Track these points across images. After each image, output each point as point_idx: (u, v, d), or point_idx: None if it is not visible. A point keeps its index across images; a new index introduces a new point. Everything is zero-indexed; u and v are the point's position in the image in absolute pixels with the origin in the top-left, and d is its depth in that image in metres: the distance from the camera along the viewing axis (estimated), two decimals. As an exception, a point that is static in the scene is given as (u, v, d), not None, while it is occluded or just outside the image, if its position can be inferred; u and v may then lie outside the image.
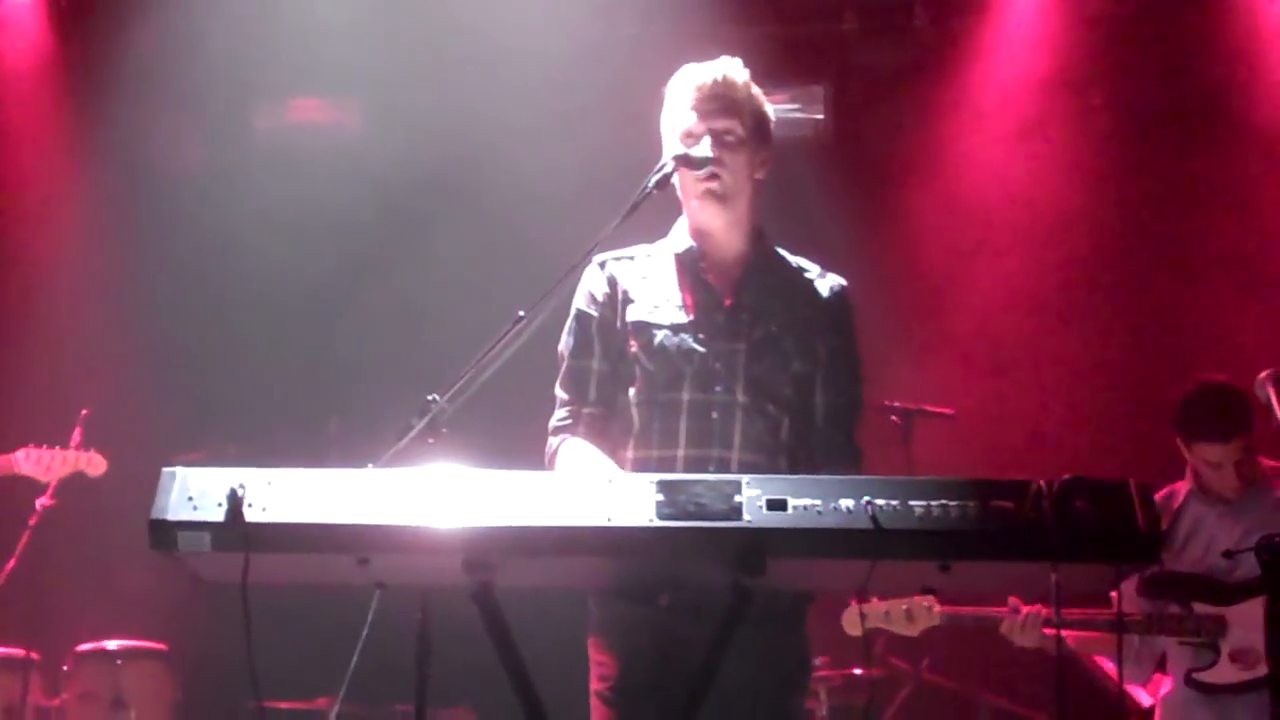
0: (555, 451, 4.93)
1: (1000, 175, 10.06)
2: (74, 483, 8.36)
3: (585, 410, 4.97)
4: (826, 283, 5.10)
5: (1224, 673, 6.83)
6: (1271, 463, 7.06)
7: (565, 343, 5.05)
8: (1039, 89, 10.09)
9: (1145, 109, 9.98)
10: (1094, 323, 9.77)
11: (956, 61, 10.19)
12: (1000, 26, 10.14)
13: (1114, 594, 6.32)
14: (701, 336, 4.90)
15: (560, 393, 5.04)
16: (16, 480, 8.30)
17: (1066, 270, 9.97)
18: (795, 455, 4.88)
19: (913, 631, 7.11)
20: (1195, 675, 6.89)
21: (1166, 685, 7.04)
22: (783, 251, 5.14)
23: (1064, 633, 6.96)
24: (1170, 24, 9.85)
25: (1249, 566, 6.81)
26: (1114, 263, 9.95)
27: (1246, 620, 6.74)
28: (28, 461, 8.26)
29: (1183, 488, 7.14)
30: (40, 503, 8.29)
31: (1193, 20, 9.81)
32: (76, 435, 8.43)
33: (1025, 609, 6.92)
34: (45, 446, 8.30)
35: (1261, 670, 6.69)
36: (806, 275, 5.11)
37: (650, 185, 4.77)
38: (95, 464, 8.37)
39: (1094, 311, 9.83)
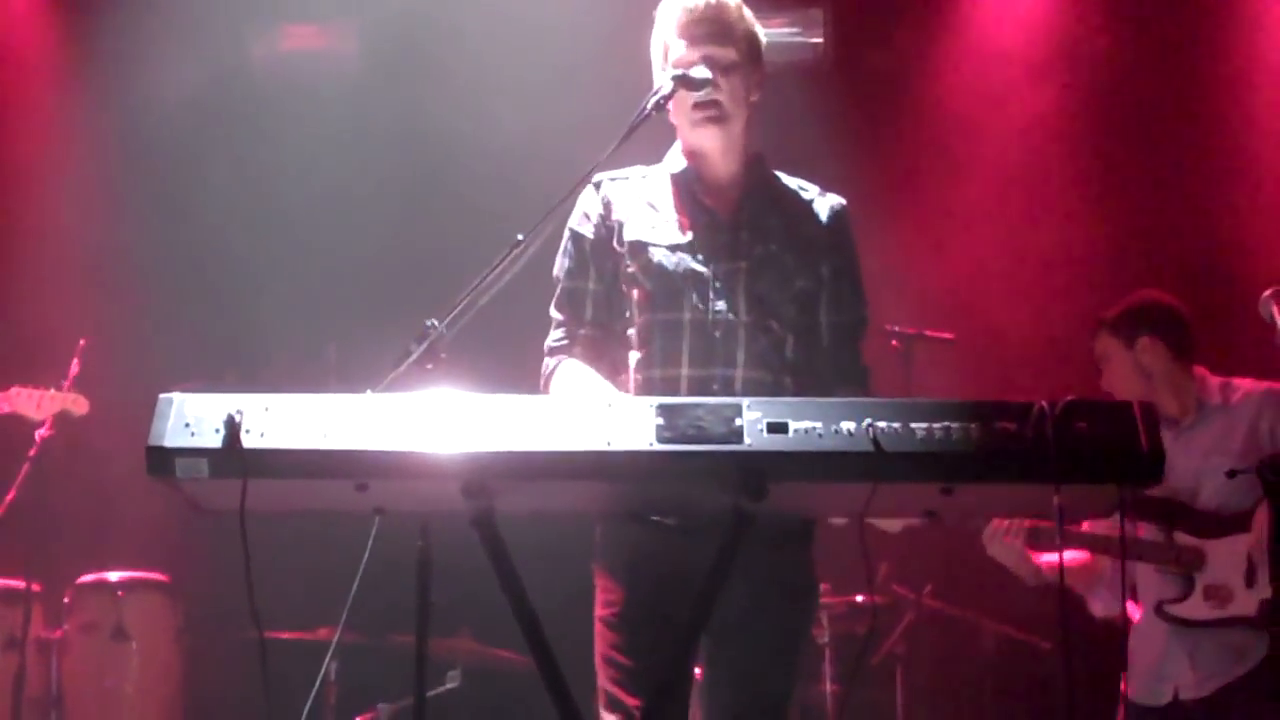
0: (551, 372, 4.93)
1: (1001, 97, 10.01)
2: (71, 416, 8.39)
3: (581, 331, 4.97)
4: (826, 202, 5.10)
5: (1196, 608, 6.81)
6: (1241, 381, 7.04)
7: (560, 264, 5.04)
8: (1041, 10, 10.04)
9: (1153, 33, 9.91)
10: (1096, 245, 9.74)
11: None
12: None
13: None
14: (701, 256, 4.89)
15: (555, 314, 5.04)
16: (10, 416, 8.33)
17: (1068, 194, 9.93)
18: (801, 374, 4.87)
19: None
20: (1166, 607, 6.87)
21: (1137, 613, 7.03)
22: (780, 174, 5.14)
23: (1044, 561, 6.97)
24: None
25: (1208, 494, 6.83)
26: (1118, 184, 9.90)
27: (1225, 556, 6.74)
28: (19, 399, 8.30)
29: None
30: (39, 434, 8.31)
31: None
32: (75, 365, 8.44)
33: (999, 521, 6.93)
34: (33, 386, 8.33)
35: (1232, 610, 6.72)
36: (805, 196, 5.10)
37: (649, 106, 4.76)
38: (79, 404, 8.41)
39: (1096, 235, 9.79)
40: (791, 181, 5.14)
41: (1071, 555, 7.03)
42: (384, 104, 9.92)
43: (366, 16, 10.22)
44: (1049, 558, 6.97)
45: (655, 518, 4.70)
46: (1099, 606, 7.11)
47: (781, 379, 4.82)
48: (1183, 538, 6.84)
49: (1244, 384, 7.00)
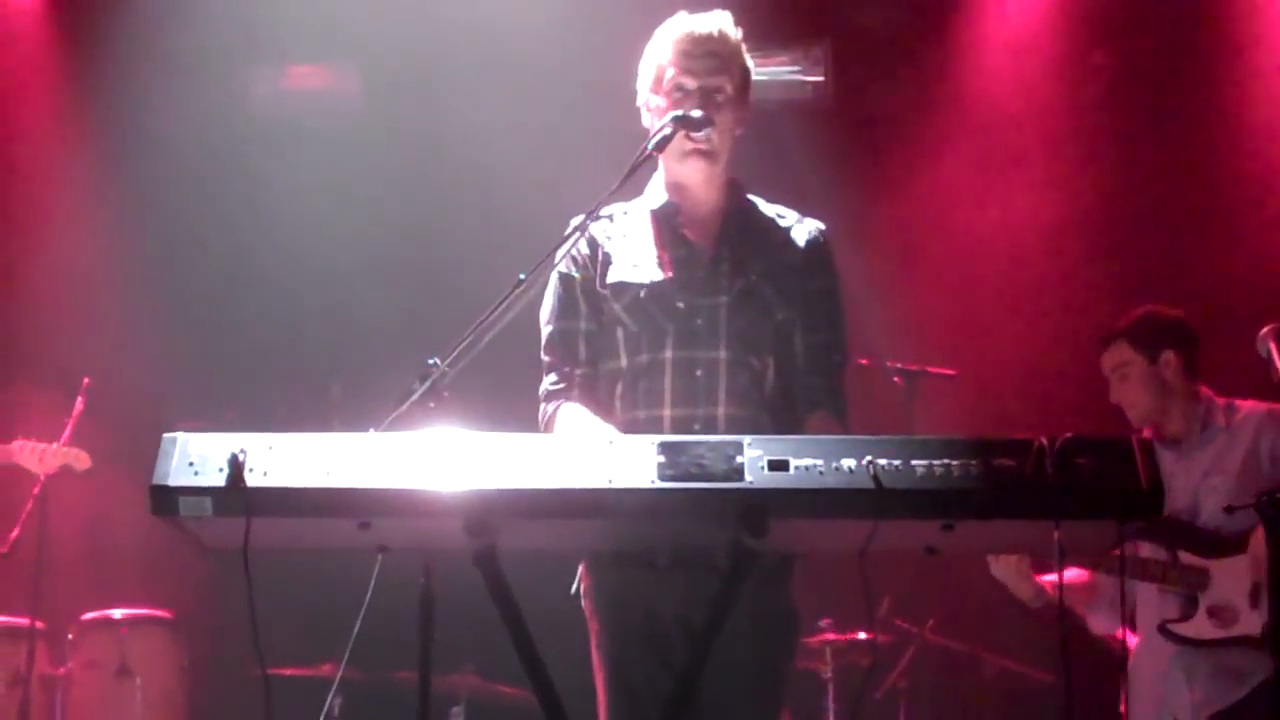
0: (551, 417, 4.91)
1: (1001, 136, 10.04)
2: (73, 471, 8.44)
3: (578, 372, 4.96)
4: (804, 228, 5.10)
5: (1200, 627, 6.80)
6: (1243, 401, 7.03)
7: (548, 307, 5.03)
8: (1040, 49, 10.06)
9: (1148, 68, 9.94)
10: (1097, 280, 9.75)
11: (957, 22, 10.16)
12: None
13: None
14: (682, 293, 4.90)
15: (548, 357, 5.02)
16: (12, 467, 8.38)
17: (1069, 230, 9.95)
18: (778, 409, 4.87)
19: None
20: (1170, 625, 6.86)
21: (1136, 635, 7.03)
22: (757, 200, 5.15)
23: (1046, 580, 6.96)
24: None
25: (1208, 514, 6.83)
26: (1117, 221, 9.92)
27: (1230, 577, 6.74)
28: (22, 453, 8.34)
29: (1146, 432, 7.15)
30: (35, 473, 8.36)
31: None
32: (79, 403, 8.47)
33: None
34: (36, 439, 8.37)
35: (1236, 630, 6.71)
36: (783, 222, 5.11)
37: (650, 147, 4.78)
38: (81, 459, 8.45)
39: (1097, 269, 9.81)
40: (770, 208, 5.14)
41: (1072, 573, 7.03)
42: (386, 143, 9.95)
43: (368, 57, 10.25)
44: (1050, 577, 6.96)
45: (639, 557, 4.70)
46: (1098, 624, 7.11)
47: (761, 415, 4.82)
48: (1187, 557, 6.84)
49: (1245, 405, 6.99)
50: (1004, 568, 6.95)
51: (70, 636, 8.67)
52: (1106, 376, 7.22)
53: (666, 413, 4.81)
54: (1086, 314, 9.48)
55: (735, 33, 5.03)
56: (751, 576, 4.34)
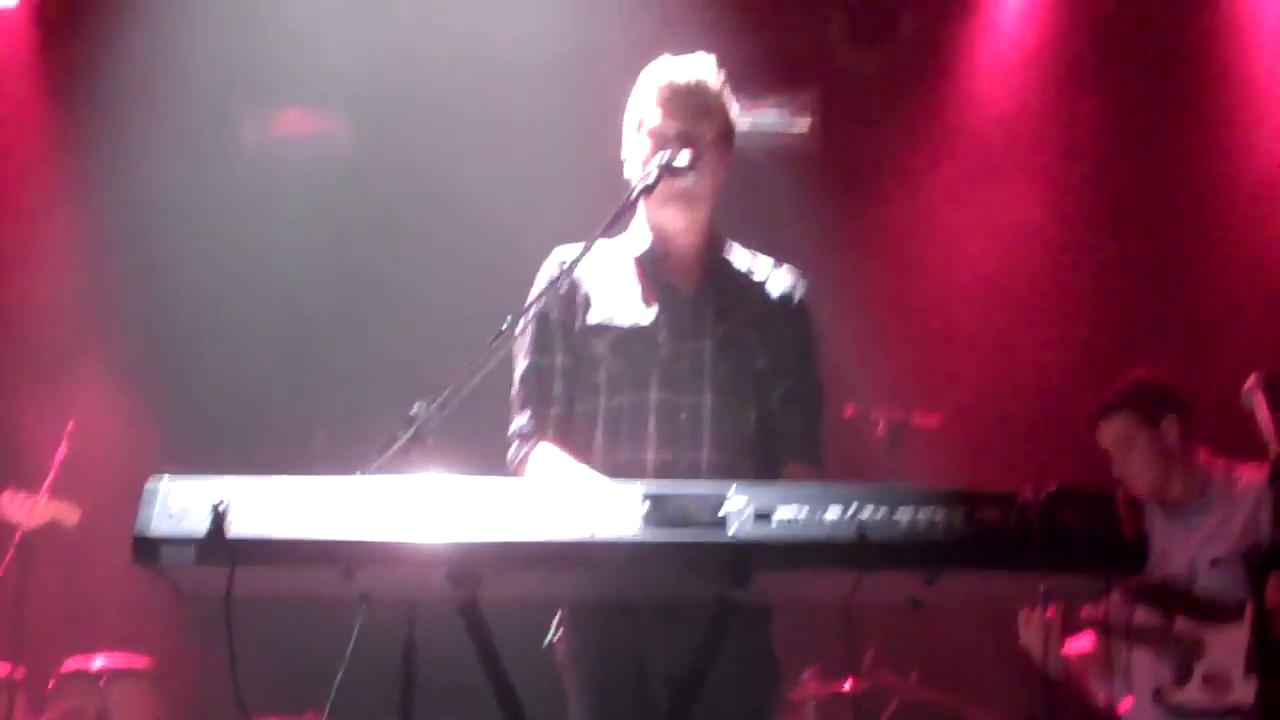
0: (524, 459, 4.88)
1: (989, 184, 10.05)
2: (61, 525, 8.44)
3: (552, 411, 4.93)
4: (783, 277, 5.11)
5: (1194, 694, 6.77)
6: (1242, 468, 7.00)
7: (523, 344, 4.99)
8: (1028, 95, 10.09)
9: (1132, 116, 9.97)
10: (1082, 330, 9.76)
11: (943, 70, 10.19)
12: (987, 32, 10.14)
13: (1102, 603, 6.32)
14: (665, 335, 4.89)
15: (519, 394, 4.99)
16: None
17: (1054, 278, 9.97)
18: (759, 455, 4.86)
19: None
20: (1164, 693, 6.84)
21: (1128, 700, 7.00)
22: (737, 247, 5.15)
23: (1073, 652, 6.94)
24: (1162, 25, 9.83)
25: (1205, 581, 6.81)
26: (1101, 270, 9.94)
27: (1225, 644, 6.71)
28: (11, 506, 8.34)
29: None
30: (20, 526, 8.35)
31: (1184, 26, 9.79)
32: (62, 449, 8.45)
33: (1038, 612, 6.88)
34: (26, 492, 8.36)
35: (1231, 699, 6.69)
36: (762, 270, 5.12)
37: (635, 194, 4.77)
38: (70, 514, 8.45)
39: (1082, 318, 9.82)
40: (748, 255, 5.15)
41: (1083, 643, 7.00)
42: (373, 188, 9.96)
43: (354, 102, 10.26)
44: (1076, 645, 6.95)
45: (619, 607, 4.67)
46: (1104, 695, 7.06)
47: (743, 460, 4.81)
48: (1183, 624, 6.82)
49: (1246, 471, 6.95)
50: (1033, 636, 6.90)
51: (50, 685, 8.63)
52: (1107, 449, 7.16)
53: (650, 455, 4.80)
54: (1072, 366, 9.50)
55: (718, 78, 5.03)
56: (736, 625, 4.34)
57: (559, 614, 4.91)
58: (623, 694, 4.72)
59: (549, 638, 4.91)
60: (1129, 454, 7.08)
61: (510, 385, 4.97)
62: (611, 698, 4.75)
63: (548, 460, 4.83)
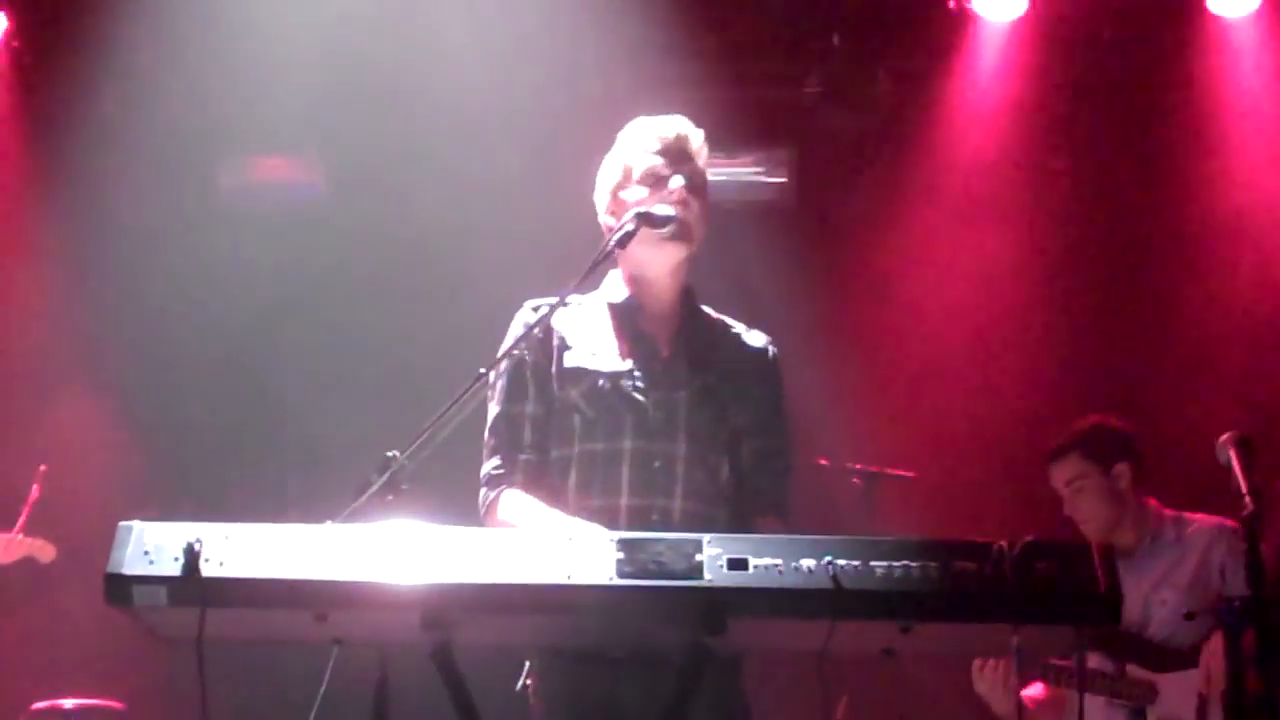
0: (493, 503, 4.88)
1: (962, 242, 10.08)
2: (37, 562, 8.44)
3: (522, 457, 4.92)
4: (754, 337, 5.16)
5: None
6: (1193, 515, 7.04)
7: (495, 390, 4.99)
8: (1003, 155, 10.12)
9: (1109, 174, 10.02)
10: (1058, 385, 9.79)
11: (921, 126, 10.21)
12: (964, 93, 10.16)
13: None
14: (641, 385, 4.90)
15: (491, 440, 4.98)
16: None
17: (1029, 337, 10.00)
18: (732, 503, 4.87)
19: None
20: None
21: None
22: (708, 309, 5.17)
23: (1027, 696, 6.94)
24: (1135, 89, 9.88)
25: (1156, 626, 6.83)
26: (1079, 329, 9.98)
27: (1177, 690, 6.73)
28: None
29: None
30: (-5, 560, 8.35)
31: (1157, 82, 9.84)
32: (34, 490, 8.45)
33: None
34: (1, 530, 8.37)
35: None
36: (734, 330, 5.15)
37: (612, 243, 4.79)
38: (45, 551, 8.45)
39: (1060, 375, 9.85)
40: (719, 318, 5.18)
41: (1036, 690, 7.00)
42: (349, 236, 9.96)
43: (333, 148, 10.26)
44: (1030, 691, 6.95)
45: (589, 655, 4.66)
46: None
47: (716, 512, 4.82)
48: (1135, 670, 6.84)
49: (1196, 518, 7.01)
50: (988, 681, 6.90)
51: (20, 725, 8.60)
52: (1058, 490, 7.22)
53: (623, 502, 4.80)
54: (1047, 419, 9.50)
55: (697, 133, 5.09)
56: (707, 674, 4.34)
57: (529, 660, 4.90)
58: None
59: (520, 682, 4.90)
60: (1079, 496, 7.15)
61: (484, 435, 4.97)
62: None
63: (516, 506, 4.83)
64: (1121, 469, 7.09)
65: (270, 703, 6.98)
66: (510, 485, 4.90)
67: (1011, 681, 6.83)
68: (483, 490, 4.95)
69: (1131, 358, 9.80)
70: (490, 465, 4.96)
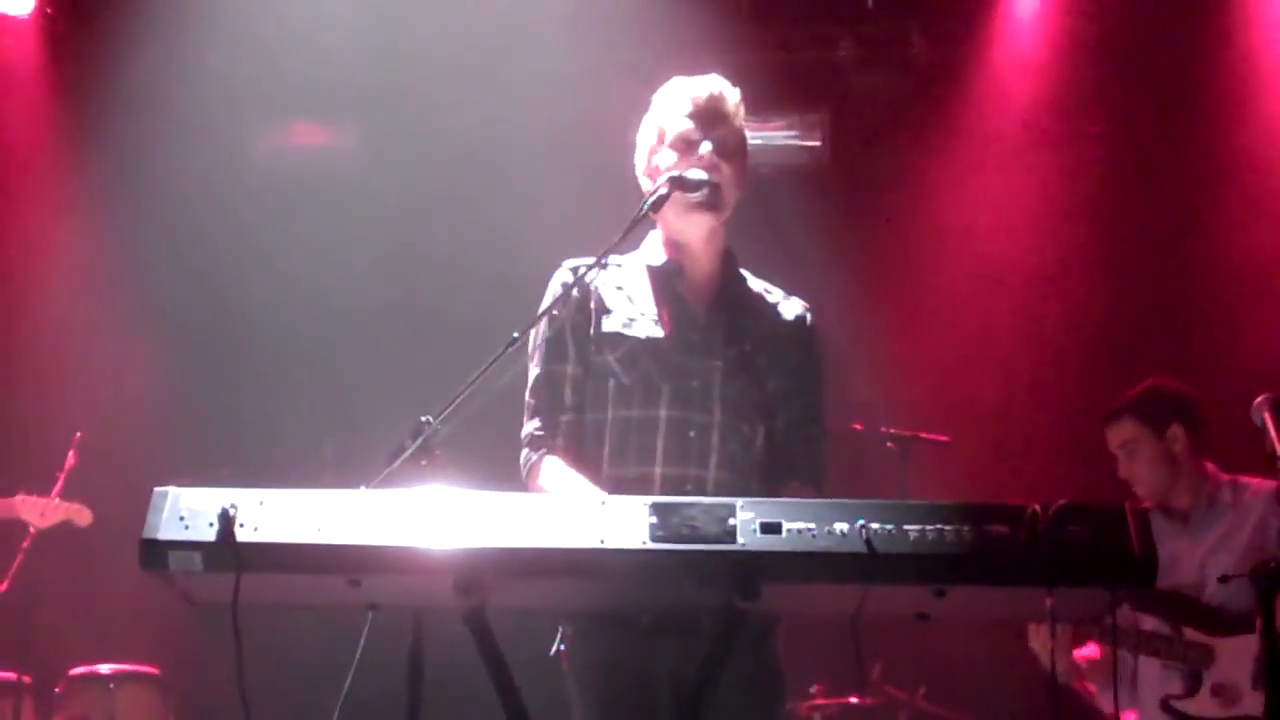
0: (535, 466, 4.87)
1: (998, 204, 10.06)
2: (74, 526, 8.48)
3: (563, 418, 4.92)
4: (791, 305, 5.12)
5: (1203, 705, 6.77)
6: (1250, 479, 7.01)
7: (535, 350, 4.99)
8: (1036, 117, 10.10)
9: (1143, 135, 9.98)
10: (1094, 349, 9.77)
11: (954, 89, 10.20)
12: (997, 54, 10.14)
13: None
14: (678, 352, 4.89)
15: (532, 400, 4.98)
16: (13, 521, 8.42)
17: (1066, 299, 9.98)
18: (765, 473, 4.87)
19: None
20: (1173, 702, 6.83)
21: (1135, 711, 6.99)
22: (747, 273, 5.15)
23: (1080, 656, 6.93)
24: (1167, 51, 9.84)
25: (1213, 590, 6.80)
26: (1114, 292, 9.95)
27: (1234, 655, 6.70)
28: (24, 507, 8.40)
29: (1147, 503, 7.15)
30: (33, 526, 8.38)
31: (1190, 46, 9.80)
32: (70, 458, 8.49)
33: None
34: (39, 494, 8.42)
35: (1238, 710, 6.67)
36: (771, 297, 5.12)
37: (646, 207, 4.77)
38: (83, 515, 8.51)
39: (1093, 341, 9.83)
40: (758, 282, 5.15)
41: (1088, 651, 6.99)
42: (385, 200, 9.97)
43: (368, 113, 10.27)
44: (1083, 652, 6.94)
45: (624, 620, 4.66)
46: (1109, 703, 7.04)
47: (749, 482, 4.80)
48: (1192, 634, 6.82)
49: (1253, 482, 6.96)
50: (1043, 641, 6.87)
51: (58, 691, 8.64)
52: (1113, 452, 7.20)
53: (658, 470, 4.79)
54: (1082, 382, 9.49)
55: (734, 92, 5.05)
56: (739, 642, 4.34)
57: (563, 625, 4.90)
58: (628, 706, 4.71)
59: (554, 647, 4.91)
60: (1132, 459, 7.12)
61: (519, 398, 4.97)
62: (617, 710, 4.74)
63: (558, 476, 4.82)
64: (1176, 432, 7.06)
65: (305, 667, 7.02)
66: (552, 448, 4.90)
67: (1062, 642, 6.81)
68: (524, 451, 4.94)
69: (1171, 316, 9.76)
70: (531, 426, 4.95)
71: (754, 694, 4.76)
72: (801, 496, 4.74)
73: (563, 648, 4.88)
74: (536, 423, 4.94)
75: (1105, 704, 7.05)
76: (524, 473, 4.90)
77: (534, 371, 4.98)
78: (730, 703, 4.56)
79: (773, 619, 4.80)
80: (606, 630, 4.72)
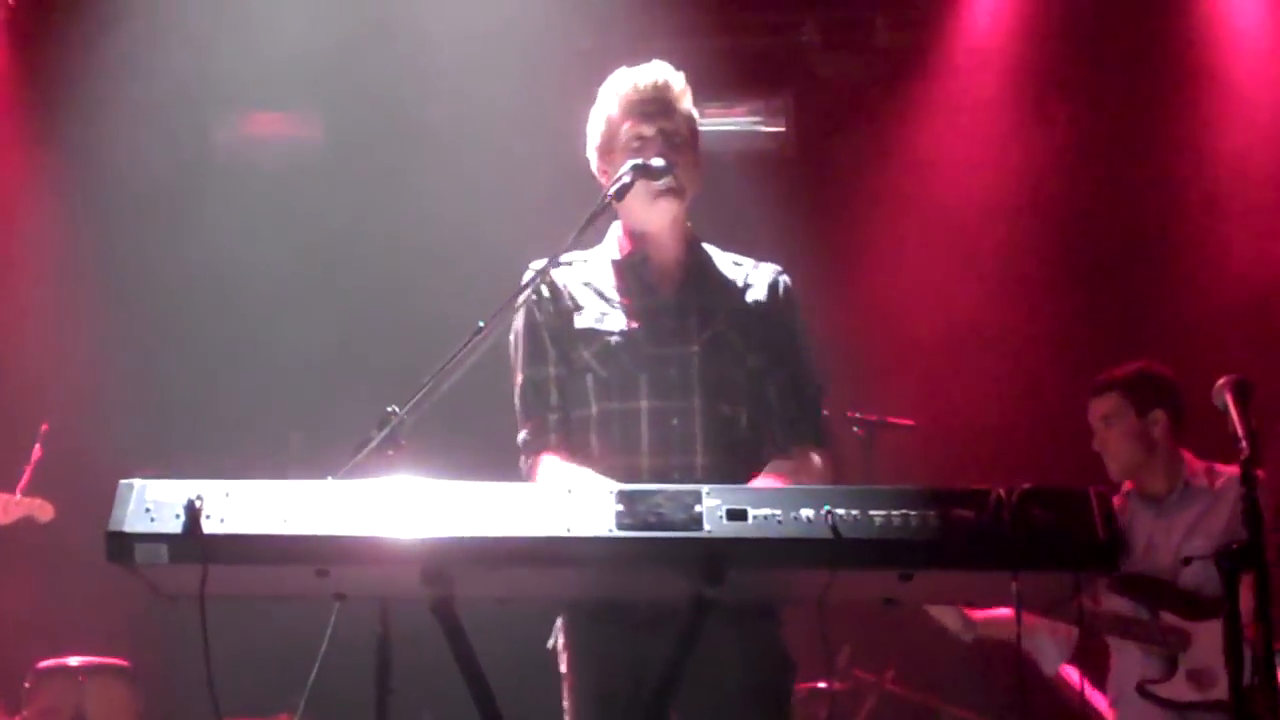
0: (532, 469, 4.86)
1: (961, 187, 10.08)
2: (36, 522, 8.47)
3: (552, 418, 4.92)
4: (763, 273, 5.11)
5: (1179, 689, 6.81)
6: (1225, 466, 7.04)
7: (517, 357, 4.99)
8: (999, 102, 10.12)
9: (1104, 116, 10.01)
10: (1057, 334, 9.80)
11: (918, 74, 10.21)
12: (961, 40, 10.16)
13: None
14: (652, 342, 4.89)
15: (520, 407, 4.98)
16: None
17: (1028, 282, 10.00)
18: (752, 454, 4.86)
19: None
20: (1149, 686, 6.87)
21: (1113, 693, 7.03)
22: (713, 249, 5.14)
23: (977, 615, 6.94)
24: (1131, 32, 9.87)
25: (1188, 575, 6.84)
26: (1076, 276, 9.98)
27: (1210, 639, 6.71)
28: None
29: (1127, 486, 7.20)
30: (-3, 519, 8.38)
31: (1153, 27, 9.83)
32: (36, 450, 8.46)
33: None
34: (1, 490, 8.41)
35: (1215, 694, 6.70)
36: (741, 268, 5.11)
37: (610, 195, 4.77)
38: (44, 510, 8.48)
39: (1057, 322, 9.86)
40: (726, 256, 5.14)
41: (1001, 612, 7.01)
42: (346, 191, 9.95)
43: (331, 104, 10.25)
44: (981, 612, 6.96)
45: (619, 614, 4.66)
46: (1049, 664, 7.06)
47: (736, 464, 4.78)
48: (1168, 617, 6.85)
49: (1227, 469, 6.99)
50: (937, 607, 6.91)
51: (26, 684, 8.62)
52: (1092, 424, 7.25)
53: (644, 461, 4.79)
54: (1047, 367, 9.53)
55: (679, 79, 5.04)
56: (745, 624, 4.37)
57: (559, 619, 4.91)
58: (622, 700, 4.70)
59: (550, 641, 4.91)
60: (1108, 431, 7.18)
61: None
62: (611, 704, 4.73)
63: (555, 474, 4.80)
64: (1158, 415, 7.12)
65: (273, 658, 7.00)
66: (545, 449, 4.89)
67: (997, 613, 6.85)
68: (521, 459, 4.94)
69: (1138, 301, 9.79)
70: (524, 432, 4.95)
71: (765, 678, 4.76)
72: (810, 461, 4.82)
73: (560, 643, 4.88)
74: (527, 429, 4.95)
75: (1045, 666, 7.06)
76: (524, 479, 4.89)
77: (518, 378, 5.00)
78: (736, 688, 4.63)
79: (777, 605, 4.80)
80: (601, 624, 4.73)
